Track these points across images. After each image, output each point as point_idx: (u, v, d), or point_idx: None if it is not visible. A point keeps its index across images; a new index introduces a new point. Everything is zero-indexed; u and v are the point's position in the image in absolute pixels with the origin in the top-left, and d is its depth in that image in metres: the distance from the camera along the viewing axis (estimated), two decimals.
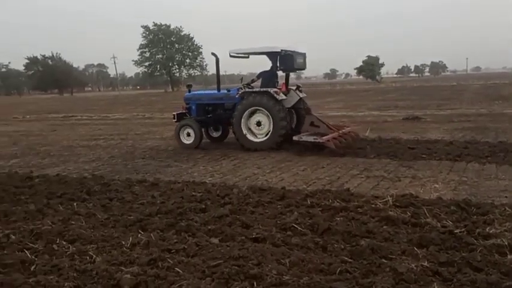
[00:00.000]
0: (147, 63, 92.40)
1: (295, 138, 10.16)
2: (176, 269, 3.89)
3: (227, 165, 9.05)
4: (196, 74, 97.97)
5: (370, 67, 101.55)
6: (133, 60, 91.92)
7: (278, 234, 4.62)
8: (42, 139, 14.75)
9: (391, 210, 5.30)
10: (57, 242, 4.66)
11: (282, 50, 10.65)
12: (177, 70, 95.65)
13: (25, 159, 10.70)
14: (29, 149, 12.53)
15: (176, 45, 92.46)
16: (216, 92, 11.90)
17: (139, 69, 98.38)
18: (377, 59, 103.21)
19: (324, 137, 9.82)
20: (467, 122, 14.59)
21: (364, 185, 6.89)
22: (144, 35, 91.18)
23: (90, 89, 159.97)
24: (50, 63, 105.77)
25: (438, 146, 9.95)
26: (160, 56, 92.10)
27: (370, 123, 15.57)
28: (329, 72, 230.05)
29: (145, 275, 3.74)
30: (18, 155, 11.41)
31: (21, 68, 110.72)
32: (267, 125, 10.61)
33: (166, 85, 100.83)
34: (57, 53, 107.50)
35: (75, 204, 6.14)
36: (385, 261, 3.93)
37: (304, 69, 11.65)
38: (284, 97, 10.64)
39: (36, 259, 4.21)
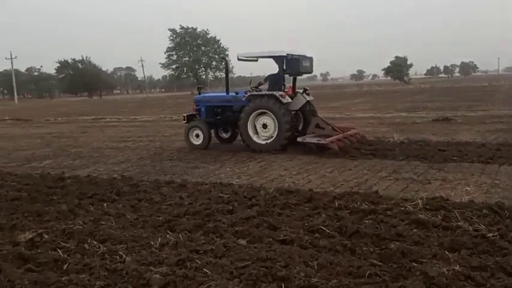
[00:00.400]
0: (174, 66, 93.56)
1: (299, 139, 10.39)
2: (204, 269, 3.92)
3: (254, 167, 9.06)
4: (222, 76, 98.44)
5: (398, 68, 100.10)
6: (160, 63, 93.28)
7: (306, 237, 4.60)
8: (73, 141, 15.09)
9: (421, 213, 5.21)
10: (89, 241, 4.76)
11: (288, 54, 10.87)
12: (204, 72, 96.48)
13: (57, 161, 10.98)
14: (60, 150, 12.84)
15: (203, 48, 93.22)
16: (224, 94, 12.18)
17: (167, 72, 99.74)
18: (405, 59, 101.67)
19: (327, 139, 10.00)
20: (499, 124, 14.23)
21: (393, 188, 6.80)
22: (171, 38, 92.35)
23: (118, 91, 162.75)
24: (80, 66, 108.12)
25: (469, 148, 9.73)
26: (187, 58, 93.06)
27: (398, 124, 15.37)
28: (356, 73, 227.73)
29: (174, 275, 3.79)
30: (51, 156, 11.70)
31: (53, 71, 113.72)
32: (272, 127, 10.77)
33: (193, 87, 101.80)
34: (86, 57, 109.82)
35: (105, 204, 6.27)
36: (415, 265, 3.87)
37: (310, 72, 11.92)
38: (289, 100, 10.80)
39: (68, 258, 4.31)
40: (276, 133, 10.65)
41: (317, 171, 8.28)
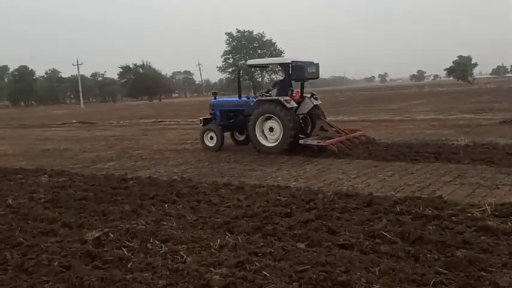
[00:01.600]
0: (230, 69, 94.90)
1: (301, 141, 11.00)
2: (263, 272, 3.93)
3: (311, 170, 9.00)
4: (278, 78, 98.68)
5: (462, 67, 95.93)
6: (217, 67, 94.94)
7: (366, 242, 4.51)
8: (135, 143, 15.65)
9: (489, 220, 4.96)
10: (151, 241, 4.91)
11: (292, 61, 11.49)
12: (259, 75, 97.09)
13: (120, 162, 11.43)
14: (123, 152, 13.37)
15: (259, 51, 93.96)
16: (237, 99, 13.03)
17: (223, 75, 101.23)
18: (469, 59, 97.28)
19: (327, 141, 10.58)
20: None
21: (458, 193, 6.51)
22: (227, 41, 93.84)
23: (177, 95, 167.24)
24: (141, 71, 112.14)
25: None
26: (243, 61, 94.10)
27: (462, 126, 14.71)
28: (416, 74, 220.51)
29: (234, 276, 3.83)
30: (114, 158, 12.21)
31: (116, 76, 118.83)
32: (278, 130, 11.30)
33: (249, 90, 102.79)
34: (147, 62, 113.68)
35: (166, 205, 6.45)
36: (484, 274, 3.68)
37: (316, 78, 12.48)
38: (294, 105, 11.29)
39: (132, 257, 4.47)
40: (281, 136, 11.16)
41: (376, 175, 8.09)
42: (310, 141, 10.88)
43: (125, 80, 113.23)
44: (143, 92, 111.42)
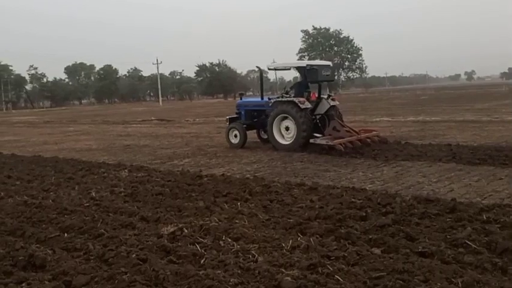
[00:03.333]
0: None
1: (311, 140, 11.70)
2: (336, 276, 3.86)
3: (388, 172, 8.72)
4: (355, 76, 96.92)
5: None
6: None
7: (448, 251, 4.28)
8: (209, 140, 16.06)
9: None
10: (223, 238, 5.00)
11: (307, 65, 12.66)
12: (336, 73, 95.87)
13: (195, 159, 11.79)
14: (198, 149, 13.77)
15: (335, 48, 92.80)
16: (259, 99, 13.96)
17: (298, 74, 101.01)
18: None
19: (335, 140, 11.19)
20: None
21: None
22: (303, 39, 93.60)
23: (251, 93, 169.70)
24: (217, 69, 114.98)
25: None
26: (319, 59, 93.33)
27: None
28: (507, 71, 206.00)
29: (306, 279, 3.80)
30: (189, 155, 12.61)
31: (193, 75, 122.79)
32: (293, 129, 12.18)
33: (324, 89, 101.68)
34: (223, 60, 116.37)
35: (238, 203, 6.54)
36: None
37: (331, 80, 14.43)
38: (308, 106, 12.11)
39: (205, 253, 4.58)
40: (295, 134, 12.04)
41: (461, 179, 7.67)
42: (319, 140, 11.61)
43: (202, 78, 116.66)
44: (219, 90, 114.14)
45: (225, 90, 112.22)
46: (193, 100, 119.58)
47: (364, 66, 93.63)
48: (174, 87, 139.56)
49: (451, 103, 31.98)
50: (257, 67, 13.90)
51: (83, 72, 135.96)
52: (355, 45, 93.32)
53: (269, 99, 13.28)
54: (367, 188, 7.24)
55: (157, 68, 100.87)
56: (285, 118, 12.38)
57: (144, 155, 13.18)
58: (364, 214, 5.63)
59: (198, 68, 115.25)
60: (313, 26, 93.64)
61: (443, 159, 9.47)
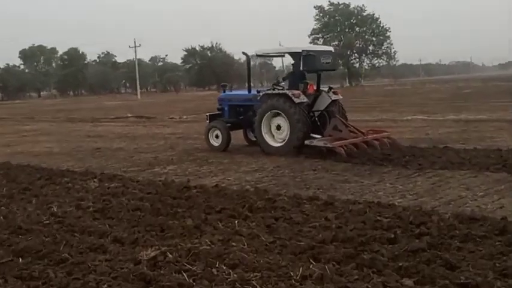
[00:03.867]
0: None
1: (306, 142, 11.97)
2: None
3: (423, 183, 8.74)
4: (381, 64, 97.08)
5: None
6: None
7: (497, 282, 4.30)
8: (200, 143, 16.01)
9: None
10: (217, 265, 5.02)
11: (303, 50, 12.61)
12: (357, 60, 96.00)
13: (182, 166, 11.82)
14: (186, 154, 13.81)
15: (357, 29, 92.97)
16: (246, 93, 14.19)
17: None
18: None
19: (335, 142, 11.50)
20: None
21: None
22: (317, 17, 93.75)
23: (252, 84, 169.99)
24: (209, 54, 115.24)
25: None
26: (336, 42, 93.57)
27: None
28: None
29: None
30: (175, 161, 12.65)
31: (179, 61, 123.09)
32: (285, 129, 12.34)
33: (343, 79, 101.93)
34: (216, 43, 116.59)
35: (236, 221, 6.55)
36: None
37: (333, 69, 14.24)
38: (304, 100, 12.30)
39: (194, 284, 4.60)
40: (288, 135, 12.22)
41: None
42: (316, 142, 11.91)
43: (190, 65, 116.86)
44: (211, 80, 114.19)
45: (220, 80, 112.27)
46: (179, 92, 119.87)
47: (392, 51, 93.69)
48: (155, 76, 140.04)
49: (501, 98, 31.99)
50: (243, 53, 14.23)
51: (42, 58, 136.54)
52: (381, 25, 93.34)
53: (258, 92, 13.42)
54: (397, 204, 7.26)
55: (135, 52, 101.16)
56: (277, 115, 12.57)
57: (118, 160, 13.23)
58: (392, 236, 5.63)
59: (185, 53, 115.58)
60: (329, 1, 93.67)
61: (492, 168, 9.48)
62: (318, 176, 9.81)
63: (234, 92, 15.87)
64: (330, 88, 13.29)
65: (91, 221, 6.98)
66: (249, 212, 7.04)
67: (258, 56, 14.27)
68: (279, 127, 12.55)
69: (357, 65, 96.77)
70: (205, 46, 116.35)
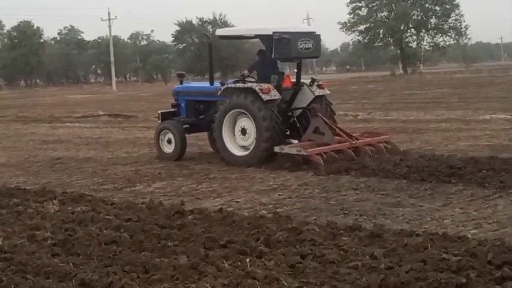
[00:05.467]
0: (362, 27, 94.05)
1: (276, 149, 12.55)
2: None
3: (506, 208, 8.69)
4: (447, 43, 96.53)
5: None
6: (340, 23, 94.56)
7: None
8: (197, 149, 16.10)
9: None
10: None
11: (274, 33, 13.15)
12: (415, 37, 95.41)
13: (173, 183, 11.86)
14: (178, 166, 13.85)
15: None
16: (208, 85, 14.83)
17: (350, 38, 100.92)
18: None
19: (310, 149, 12.19)
20: None
21: None
22: None
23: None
24: (211, 31, 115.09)
25: None
26: (386, 14, 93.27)
27: None
28: None
29: None
30: (163, 176, 12.69)
31: (169, 39, 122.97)
32: (252, 132, 12.94)
33: (394, 63, 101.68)
34: (220, 15, 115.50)
35: (247, 260, 6.53)
36: None
37: (315, 56, 14.99)
38: (277, 96, 12.91)
39: None
40: (254, 141, 12.84)
41: None
42: (287, 149, 12.50)
43: (184, 45, 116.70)
44: (214, 65, 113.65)
45: (224, 65, 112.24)
46: (169, 82, 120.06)
47: (463, 26, 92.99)
48: (137, 59, 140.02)
49: None
50: (204, 34, 15.08)
51: None
52: None
53: (222, 84, 13.78)
54: (469, 236, 7.23)
55: (110, 27, 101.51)
56: (242, 115, 13.12)
57: (85, 175, 13.30)
58: (464, 281, 5.61)
59: (178, 28, 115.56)
60: None
61: None
62: (360, 198, 9.81)
63: (193, 84, 16.63)
64: (313, 80, 13.90)
65: (49, 258, 6.97)
66: (265, 246, 7.02)
67: (220, 38, 14.93)
68: (244, 131, 12.90)
69: (414, 45, 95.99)
70: (204, 19, 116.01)
